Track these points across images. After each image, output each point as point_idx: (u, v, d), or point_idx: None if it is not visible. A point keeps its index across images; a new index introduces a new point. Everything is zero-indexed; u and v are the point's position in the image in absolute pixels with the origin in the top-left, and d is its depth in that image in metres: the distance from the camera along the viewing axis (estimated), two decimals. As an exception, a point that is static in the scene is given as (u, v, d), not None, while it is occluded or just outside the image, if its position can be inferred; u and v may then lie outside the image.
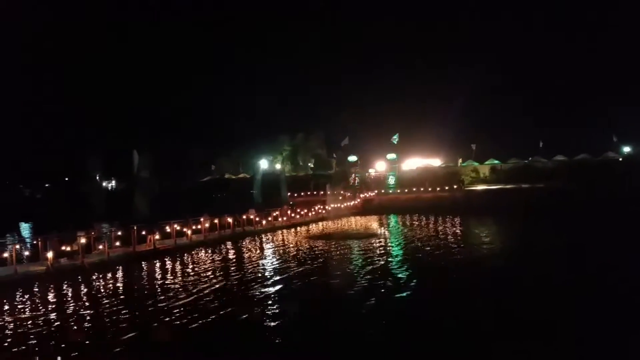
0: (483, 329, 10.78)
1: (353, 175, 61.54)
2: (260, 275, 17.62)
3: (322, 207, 43.20)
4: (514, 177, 54.69)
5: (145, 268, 20.16)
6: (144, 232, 24.03)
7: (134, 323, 12.11)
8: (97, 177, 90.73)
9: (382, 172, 64.43)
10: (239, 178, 74.28)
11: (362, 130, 73.52)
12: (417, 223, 36.33)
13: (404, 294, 14.03)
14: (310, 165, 76.07)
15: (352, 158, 69.10)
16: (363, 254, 21.73)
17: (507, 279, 15.88)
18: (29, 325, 12.06)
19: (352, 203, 49.13)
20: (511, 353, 9.42)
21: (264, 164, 75.11)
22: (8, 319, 12.82)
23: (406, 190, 53.36)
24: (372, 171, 66.77)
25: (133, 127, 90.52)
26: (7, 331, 11.71)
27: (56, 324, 12.25)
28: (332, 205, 44.09)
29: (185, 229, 26.02)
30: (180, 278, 17.49)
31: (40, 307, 13.89)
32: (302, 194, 56.14)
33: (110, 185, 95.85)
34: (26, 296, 15.40)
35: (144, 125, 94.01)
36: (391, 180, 59.33)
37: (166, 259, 21.85)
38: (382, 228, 34.48)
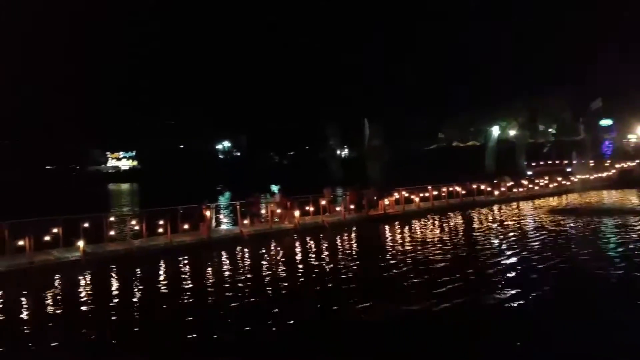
0: None
1: (606, 142, 52.70)
2: (491, 248, 16.44)
3: (566, 177, 38.37)
4: None
5: (375, 230, 21.04)
6: (375, 198, 25.08)
7: (360, 277, 12.95)
8: (333, 146, 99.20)
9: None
10: (467, 146, 71.57)
11: (620, 90, 61.87)
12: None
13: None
14: (552, 130, 68.05)
15: (606, 122, 58.99)
16: (619, 233, 18.23)
17: None
18: (280, 269, 13.84)
19: (604, 174, 42.25)
20: None
21: (496, 130, 70.28)
22: (265, 264, 15.04)
23: (682, 160, 43.09)
24: (631, 137, 56.06)
25: (365, 97, 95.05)
26: (268, 274, 13.64)
27: (299, 270, 13.74)
28: (579, 176, 38.73)
29: (413, 196, 26.33)
30: (408, 243, 17.67)
31: (289, 256, 15.99)
32: (542, 162, 50.84)
33: (343, 152, 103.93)
34: (279, 247, 17.78)
35: (375, 94, 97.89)
36: (660, 148, 48.77)
37: (395, 224, 22.40)
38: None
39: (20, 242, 14.62)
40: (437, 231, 20.40)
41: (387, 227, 21.72)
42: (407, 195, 26.03)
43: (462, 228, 21.23)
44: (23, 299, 12.00)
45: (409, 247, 16.81)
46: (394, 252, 16.23)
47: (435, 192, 27.56)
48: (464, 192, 29.03)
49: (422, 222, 23.02)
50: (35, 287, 12.77)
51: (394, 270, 13.53)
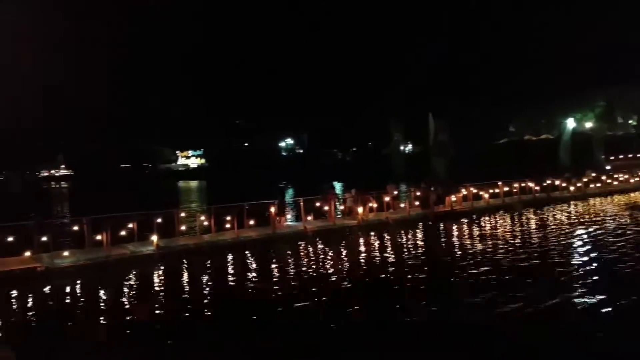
0: None
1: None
2: (569, 248, 15.38)
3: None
4: None
5: (441, 227, 20.42)
6: (440, 194, 24.32)
7: (428, 277, 12.51)
8: (397, 141, 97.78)
9: None
10: (540, 139, 67.95)
11: None
12: None
13: None
14: (633, 122, 63.13)
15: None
16: None
17: None
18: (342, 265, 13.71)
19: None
20: None
21: (571, 122, 66.09)
22: (329, 261, 14.96)
23: None
24: None
25: (431, 92, 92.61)
26: (333, 271, 13.57)
27: (364, 267, 13.54)
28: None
29: (481, 192, 25.32)
30: (477, 241, 16.98)
31: (353, 253, 15.83)
32: (622, 156, 47.36)
33: (406, 148, 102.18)
34: (342, 242, 17.72)
35: (440, 88, 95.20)
36: None
37: (462, 221, 21.59)
38: None
39: (98, 237, 15.48)
40: (509, 229, 19.45)
41: (454, 224, 20.98)
42: (475, 191, 25.05)
43: (536, 226, 20.08)
44: (103, 289, 12.65)
45: (479, 246, 16.13)
46: (463, 250, 15.62)
47: (506, 188, 26.32)
48: (537, 187, 27.55)
49: (492, 219, 22.05)
50: (113, 279, 13.44)
51: (466, 270, 12.97)
